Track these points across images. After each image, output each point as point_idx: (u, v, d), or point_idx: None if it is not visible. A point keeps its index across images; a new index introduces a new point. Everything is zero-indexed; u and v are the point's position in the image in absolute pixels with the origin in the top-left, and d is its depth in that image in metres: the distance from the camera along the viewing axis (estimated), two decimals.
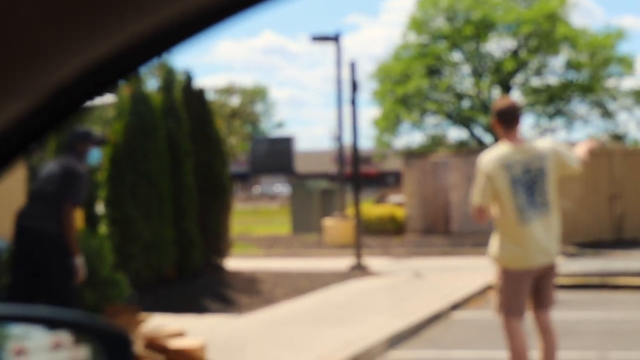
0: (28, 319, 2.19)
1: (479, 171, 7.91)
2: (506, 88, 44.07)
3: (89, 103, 1.10)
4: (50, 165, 9.18)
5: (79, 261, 8.87)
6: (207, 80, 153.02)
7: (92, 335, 2.22)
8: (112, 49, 1.00)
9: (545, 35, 41.66)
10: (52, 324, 2.28)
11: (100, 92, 1.09)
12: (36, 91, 1.02)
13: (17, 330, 2.55)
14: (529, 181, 7.79)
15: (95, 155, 9.40)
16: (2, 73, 0.98)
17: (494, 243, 8.03)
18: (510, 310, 7.97)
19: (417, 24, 44.45)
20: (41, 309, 2.19)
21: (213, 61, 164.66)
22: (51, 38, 0.96)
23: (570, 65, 42.94)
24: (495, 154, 7.92)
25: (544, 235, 7.84)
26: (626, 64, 42.40)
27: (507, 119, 7.99)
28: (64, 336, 2.63)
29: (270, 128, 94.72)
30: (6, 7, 0.92)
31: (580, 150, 8.26)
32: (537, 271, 7.93)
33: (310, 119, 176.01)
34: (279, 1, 1.02)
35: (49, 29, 0.95)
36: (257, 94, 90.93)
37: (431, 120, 45.71)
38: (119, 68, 1.05)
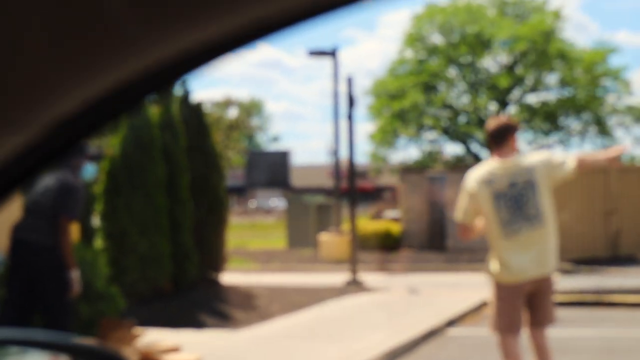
0: (25, 342, 2.19)
1: (464, 188, 8.00)
2: (502, 104, 44.13)
3: (87, 137, 1.11)
4: (46, 179, 9.17)
5: (75, 275, 8.86)
6: (204, 93, 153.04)
7: (88, 358, 2.23)
8: (113, 83, 1.01)
9: (540, 52, 41.75)
10: (48, 348, 2.29)
11: (101, 126, 1.09)
12: (36, 124, 1.03)
13: (14, 349, 2.56)
14: (516, 195, 7.82)
15: (90, 170, 9.41)
16: (2, 105, 0.99)
17: (490, 259, 8.07)
18: (504, 327, 7.97)
19: (413, 40, 44.53)
20: (37, 332, 2.18)
21: (209, 74, 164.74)
22: (52, 71, 0.96)
23: (564, 81, 43.00)
24: (478, 171, 8.01)
25: (534, 247, 7.86)
26: (622, 83, 42.52)
27: (497, 138, 8.06)
28: (61, 357, 2.63)
29: (266, 142, 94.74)
30: (7, 39, 0.93)
31: (608, 152, 8.29)
32: (528, 285, 7.93)
33: (306, 133, 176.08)
34: (286, 32, 1.03)
35: (51, 61, 0.95)
36: (253, 107, 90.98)
37: (427, 136, 45.75)
38: (121, 101, 1.06)
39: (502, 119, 8.44)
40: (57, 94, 1.00)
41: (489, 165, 8.00)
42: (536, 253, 7.86)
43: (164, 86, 1.07)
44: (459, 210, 7.99)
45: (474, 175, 7.97)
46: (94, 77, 0.99)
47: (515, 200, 7.83)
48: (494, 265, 7.95)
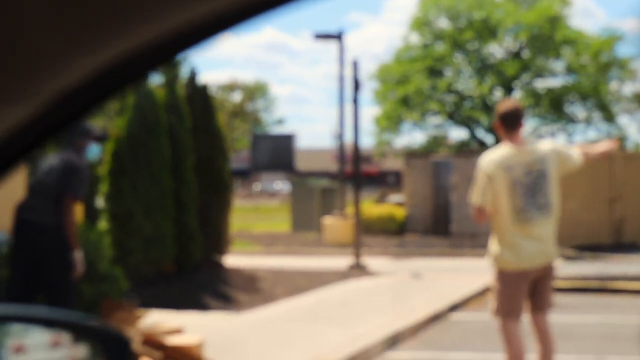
0: (27, 319, 2.19)
1: (479, 171, 7.96)
2: (508, 90, 44.04)
3: (91, 109, 1.09)
4: (50, 159, 9.18)
5: (78, 255, 8.87)
6: (209, 76, 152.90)
7: (90, 336, 2.22)
8: (116, 56, 1.00)
9: (547, 38, 41.65)
10: (50, 325, 2.28)
11: (103, 99, 1.08)
12: (39, 96, 1.02)
13: (16, 327, 2.55)
14: (530, 183, 7.83)
15: (94, 151, 9.40)
16: (4, 78, 0.98)
17: (492, 244, 8.06)
18: (506, 312, 7.98)
19: (419, 25, 44.44)
20: (40, 309, 2.18)
21: (214, 56, 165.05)
22: (54, 44, 0.95)
23: (571, 68, 42.92)
24: (496, 155, 7.96)
25: (542, 236, 7.88)
26: (626, 69, 42.39)
27: (510, 122, 8.02)
28: (63, 334, 2.63)
29: (271, 124, 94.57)
30: (9, 12, 0.91)
31: (600, 147, 8.32)
32: (534, 272, 7.95)
33: (311, 116, 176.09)
34: (286, 8, 1.02)
35: (52, 35, 0.94)
36: (258, 90, 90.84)
37: (432, 121, 45.70)
38: (122, 75, 1.05)
39: (514, 102, 8.39)
40: (59, 67, 0.99)
41: (504, 150, 7.96)
42: (544, 241, 7.89)
43: (165, 60, 1.06)
44: (477, 193, 7.93)
45: (492, 159, 7.92)
46: (96, 50, 0.98)
47: (529, 189, 7.84)
48: (500, 251, 7.94)
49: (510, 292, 7.96)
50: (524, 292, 8.02)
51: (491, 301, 8.24)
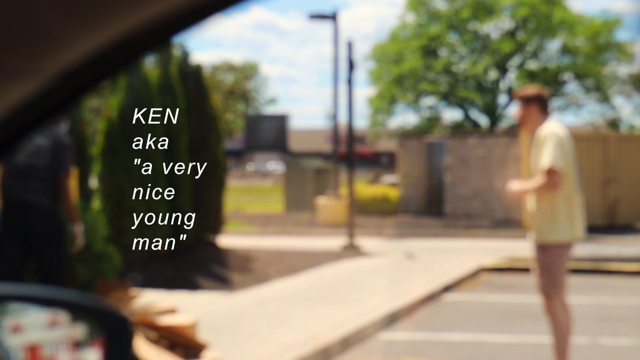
0: (24, 298, 2.18)
1: (556, 137, 7.88)
2: (503, 70, 43.98)
3: (91, 89, 1.09)
4: (37, 138, 9.07)
5: (79, 229, 8.88)
6: (198, 56, 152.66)
7: (89, 315, 2.21)
8: (117, 36, 0.99)
9: (543, 18, 41.54)
10: (49, 304, 2.27)
11: (104, 78, 1.07)
12: (41, 74, 1.01)
13: (13, 306, 2.54)
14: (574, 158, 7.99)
15: (62, 129, 9.36)
16: (6, 56, 0.97)
17: (544, 217, 7.99)
18: (559, 287, 7.97)
19: (415, 4, 44.33)
20: (38, 288, 2.16)
21: (204, 37, 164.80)
22: (56, 22, 0.94)
23: (567, 49, 42.84)
24: (559, 127, 8.02)
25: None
26: (623, 52, 42.29)
27: (546, 103, 8.11)
28: (61, 314, 2.62)
29: (263, 104, 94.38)
30: None
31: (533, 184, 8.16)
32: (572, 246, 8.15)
33: (302, 96, 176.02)
34: None
35: (54, 13, 0.93)
36: (249, 70, 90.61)
37: (426, 101, 45.63)
38: (118, 56, 1.04)
39: (538, 86, 8.60)
40: (58, 46, 0.98)
41: (557, 123, 8.05)
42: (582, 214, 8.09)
43: (161, 43, 1.05)
44: (559, 158, 7.82)
45: (560, 130, 7.96)
46: (95, 30, 0.97)
47: (575, 162, 8.01)
48: (559, 223, 7.92)
49: (561, 266, 8.00)
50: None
51: (541, 278, 8.09)
